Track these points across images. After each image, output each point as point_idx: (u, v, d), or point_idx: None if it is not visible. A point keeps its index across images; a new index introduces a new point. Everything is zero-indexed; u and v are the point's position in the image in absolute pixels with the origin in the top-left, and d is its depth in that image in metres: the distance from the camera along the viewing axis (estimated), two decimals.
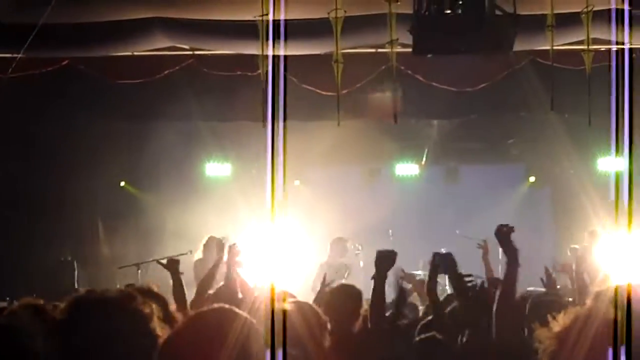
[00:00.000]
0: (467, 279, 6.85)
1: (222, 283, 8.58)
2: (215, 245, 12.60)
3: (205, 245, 13.46)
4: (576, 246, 12.73)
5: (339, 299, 6.76)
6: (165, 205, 17.35)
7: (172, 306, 5.35)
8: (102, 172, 16.92)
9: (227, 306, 2.95)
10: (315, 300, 7.09)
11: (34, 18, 10.73)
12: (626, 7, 9.61)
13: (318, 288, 14.24)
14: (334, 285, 7.64)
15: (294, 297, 6.76)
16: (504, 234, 6.43)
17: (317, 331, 5.19)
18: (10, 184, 15.52)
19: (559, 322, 4.80)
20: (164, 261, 8.86)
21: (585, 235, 13.29)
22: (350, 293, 6.88)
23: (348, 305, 6.65)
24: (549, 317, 4.42)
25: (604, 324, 3.30)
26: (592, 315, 4.46)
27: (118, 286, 12.27)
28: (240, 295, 7.83)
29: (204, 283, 8.01)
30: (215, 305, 3.05)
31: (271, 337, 3.00)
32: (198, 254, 13.76)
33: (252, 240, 13.62)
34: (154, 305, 2.98)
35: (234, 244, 8.56)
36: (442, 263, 7.01)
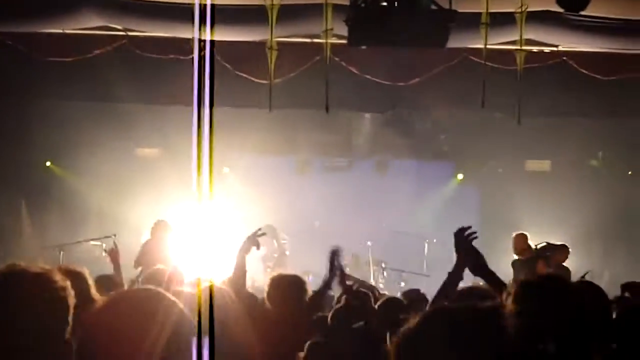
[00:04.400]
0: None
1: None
2: (163, 228, 12.80)
3: (153, 229, 13.48)
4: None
5: (286, 288, 6.78)
6: (90, 186, 17.15)
7: (93, 289, 5.25)
8: (28, 151, 16.64)
9: (153, 287, 2.89)
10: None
11: None
12: None
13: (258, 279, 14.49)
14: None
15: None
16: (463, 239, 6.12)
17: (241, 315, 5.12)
18: None
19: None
20: (105, 248, 9.06)
21: (513, 237, 13.42)
22: (295, 282, 6.90)
23: (294, 294, 6.68)
24: None
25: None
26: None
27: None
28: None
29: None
30: (141, 286, 3.00)
31: (198, 325, 2.95)
32: (146, 236, 13.75)
33: (176, 225, 13.59)
34: (68, 283, 2.93)
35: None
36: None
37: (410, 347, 2.66)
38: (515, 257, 13.18)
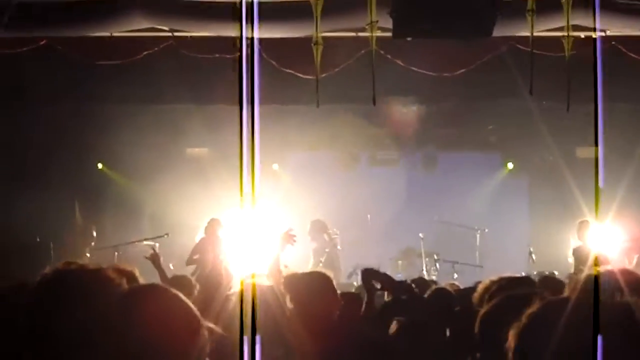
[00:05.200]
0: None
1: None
2: (217, 226, 13.16)
3: (207, 227, 13.82)
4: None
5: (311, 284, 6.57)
6: (143, 188, 17.31)
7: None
8: (80, 154, 16.84)
9: (160, 284, 2.93)
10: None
11: None
12: None
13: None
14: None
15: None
16: None
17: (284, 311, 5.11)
18: None
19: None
20: (147, 254, 9.19)
21: (577, 225, 13.33)
22: (320, 278, 6.70)
23: (319, 290, 6.48)
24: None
25: (579, 311, 3.23)
26: (564, 303, 4.41)
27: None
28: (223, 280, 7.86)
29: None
30: (148, 283, 3.04)
31: (240, 322, 2.98)
32: (200, 234, 14.06)
33: (230, 225, 13.75)
34: (124, 280, 2.98)
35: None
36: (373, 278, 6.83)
37: (532, 336, 2.69)
38: (578, 244, 13.08)
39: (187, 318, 2.66)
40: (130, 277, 4.51)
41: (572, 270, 14.07)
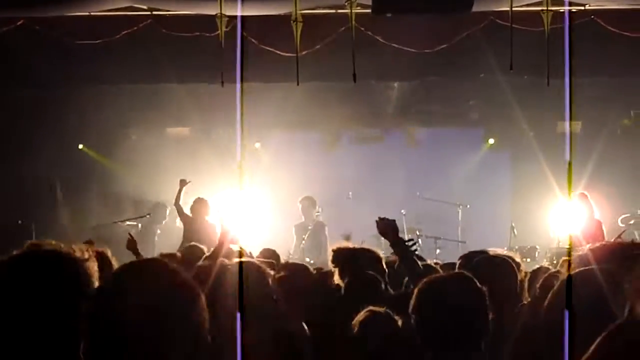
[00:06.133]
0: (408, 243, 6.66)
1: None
2: (202, 206, 13.18)
3: (192, 207, 13.81)
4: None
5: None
6: (124, 168, 17.26)
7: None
8: (60, 134, 16.76)
9: (159, 258, 2.95)
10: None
11: None
12: None
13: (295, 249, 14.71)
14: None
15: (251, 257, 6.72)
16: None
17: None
18: None
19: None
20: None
21: (576, 197, 13.26)
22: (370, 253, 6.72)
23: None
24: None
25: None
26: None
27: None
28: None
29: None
30: (150, 256, 3.05)
31: (239, 300, 3.00)
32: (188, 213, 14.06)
33: (216, 202, 13.77)
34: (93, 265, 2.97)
35: None
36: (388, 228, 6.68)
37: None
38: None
39: (187, 286, 2.71)
40: (102, 257, 4.51)
41: (553, 245, 14.15)
